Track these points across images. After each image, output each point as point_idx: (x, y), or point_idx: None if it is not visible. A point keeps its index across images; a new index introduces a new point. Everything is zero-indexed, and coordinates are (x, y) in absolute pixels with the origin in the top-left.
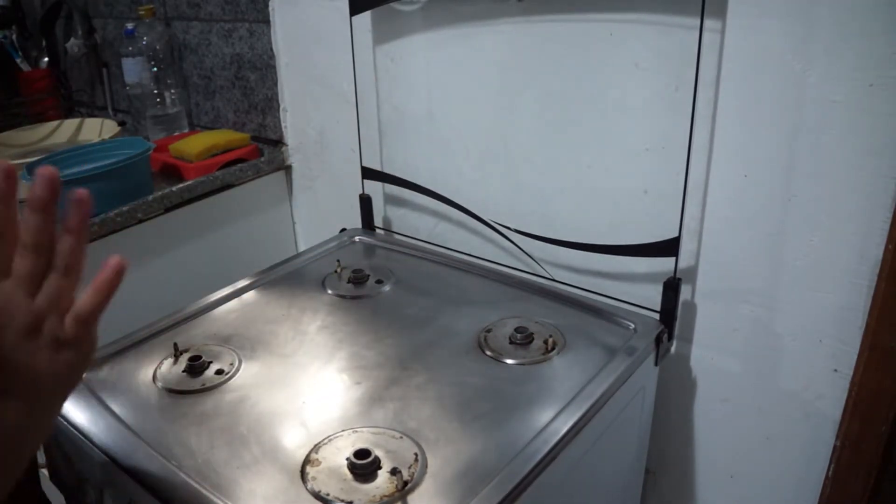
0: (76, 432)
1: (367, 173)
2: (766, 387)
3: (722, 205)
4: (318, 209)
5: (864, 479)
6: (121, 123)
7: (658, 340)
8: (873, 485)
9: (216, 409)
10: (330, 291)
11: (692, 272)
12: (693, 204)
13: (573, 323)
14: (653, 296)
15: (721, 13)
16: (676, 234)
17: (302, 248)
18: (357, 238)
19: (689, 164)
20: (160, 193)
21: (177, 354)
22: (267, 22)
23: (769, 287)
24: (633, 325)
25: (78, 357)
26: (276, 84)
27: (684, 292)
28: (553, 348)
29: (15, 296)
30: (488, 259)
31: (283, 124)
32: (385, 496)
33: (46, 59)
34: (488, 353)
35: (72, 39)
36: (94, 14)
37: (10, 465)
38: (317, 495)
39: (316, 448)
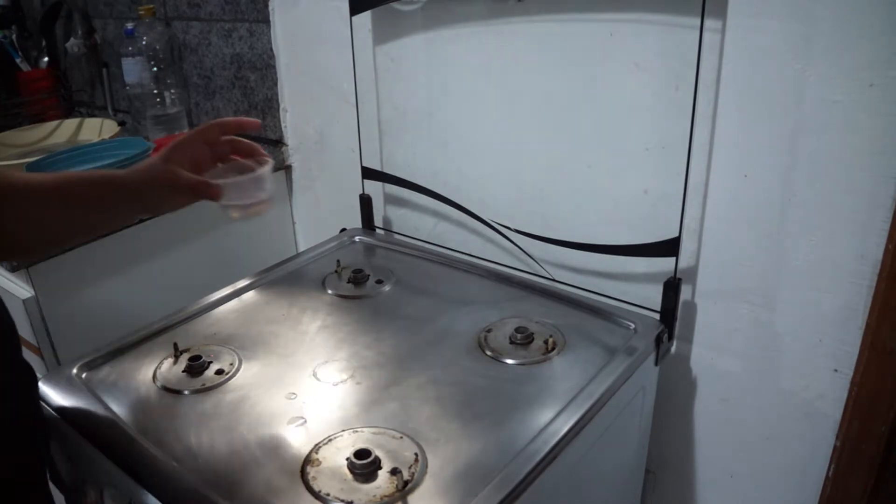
0: (76, 432)
1: (367, 173)
2: (766, 387)
3: (722, 205)
4: (318, 209)
5: (864, 479)
6: (121, 123)
7: (658, 340)
8: (873, 485)
9: (216, 409)
10: (330, 291)
11: (692, 272)
12: (693, 204)
13: (573, 323)
14: (653, 296)
15: (721, 13)
16: (676, 234)
17: (302, 248)
18: (357, 238)
19: (690, 165)
20: None
21: (177, 354)
22: (267, 22)
23: (769, 287)
24: (633, 325)
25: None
26: (276, 84)
27: (684, 292)
28: (553, 348)
29: None
30: (488, 259)
31: (283, 124)
32: (385, 496)
33: (46, 59)
34: (488, 353)
35: (72, 39)
36: (94, 14)
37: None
38: (317, 495)
39: (316, 448)
